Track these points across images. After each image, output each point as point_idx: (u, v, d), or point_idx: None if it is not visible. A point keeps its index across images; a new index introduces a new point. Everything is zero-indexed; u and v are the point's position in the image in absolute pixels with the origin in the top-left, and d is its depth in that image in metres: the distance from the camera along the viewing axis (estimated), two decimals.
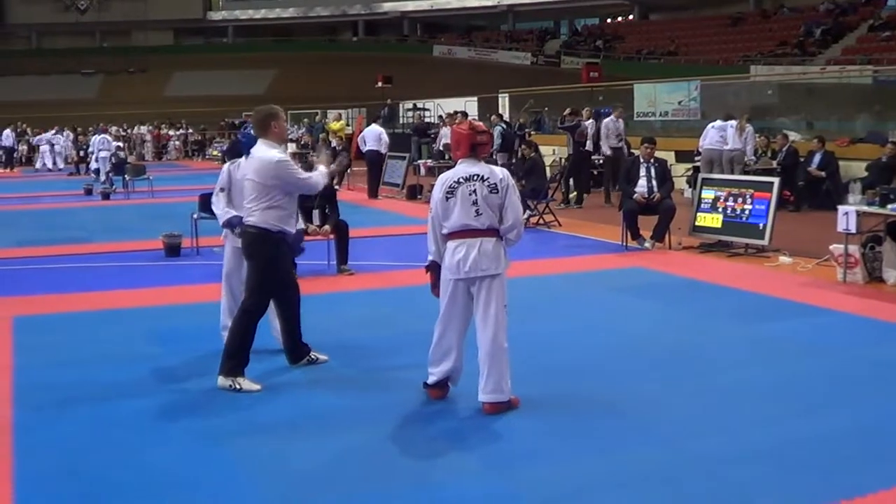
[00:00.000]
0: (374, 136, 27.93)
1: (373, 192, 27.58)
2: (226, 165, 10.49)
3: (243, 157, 9.57)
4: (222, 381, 8.68)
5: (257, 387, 8.58)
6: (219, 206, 10.19)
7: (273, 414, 8.02)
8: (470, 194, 8.00)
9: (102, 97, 79.30)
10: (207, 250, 16.69)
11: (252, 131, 9.26)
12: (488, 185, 8.01)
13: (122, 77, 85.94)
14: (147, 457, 7.04)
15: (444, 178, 8.22)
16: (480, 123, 8.73)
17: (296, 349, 9.55)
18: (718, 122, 23.77)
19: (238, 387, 8.59)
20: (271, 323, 9.77)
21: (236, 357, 8.73)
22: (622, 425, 7.61)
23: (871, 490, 6.18)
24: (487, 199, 7.99)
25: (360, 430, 7.56)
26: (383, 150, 28.50)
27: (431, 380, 8.38)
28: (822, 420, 7.65)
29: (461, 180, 8.06)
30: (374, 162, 27.80)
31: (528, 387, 8.43)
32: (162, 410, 8.15)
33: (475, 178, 8.05)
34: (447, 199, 8.07)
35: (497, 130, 27.39)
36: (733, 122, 23.41)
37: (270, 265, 8.89)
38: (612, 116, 26.43)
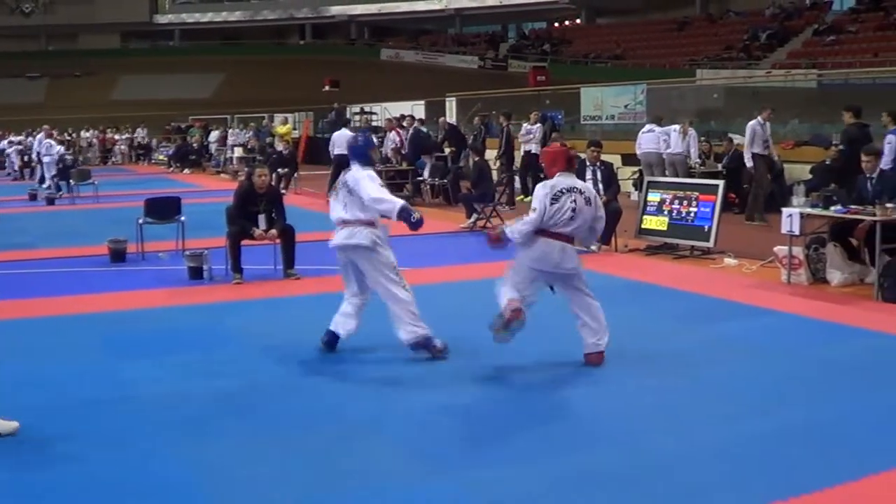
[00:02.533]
0: (342, 141, 27.50)
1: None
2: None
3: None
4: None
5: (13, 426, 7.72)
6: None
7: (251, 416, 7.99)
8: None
9: (49, 101, 78.72)
10: (153, 255, 16.59)
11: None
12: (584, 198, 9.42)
13: (68, 81, 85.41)
14: (91, 463, 6.94)
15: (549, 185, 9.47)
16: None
17: None
18: (658, 128, 23.76)
19: None
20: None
21: None
22: (573, 427, 7.64)
23: (820, 487, 6.23)
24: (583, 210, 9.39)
25: (306, 434, 7.52)
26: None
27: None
28: (771, 419, 7.68)
29: (564, 191, 9.33)
30: (342, 166, 27.43)
31: (476, 389, 8.44)
32: (112, 416, 8.07)
33: (574, 190, 9.39)
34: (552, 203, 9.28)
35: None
36: (676, 126, 23.45)
37: None
38: (758, 118, 21.09)
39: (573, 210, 9.29)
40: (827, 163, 20.96)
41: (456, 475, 6.65)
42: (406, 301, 9.74)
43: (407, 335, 9.71)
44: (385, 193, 9.88)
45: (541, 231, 9.33)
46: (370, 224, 9.81)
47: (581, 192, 9.40)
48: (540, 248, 9.35)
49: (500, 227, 9.98)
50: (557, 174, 9.54)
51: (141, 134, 56.30)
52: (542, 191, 9.42)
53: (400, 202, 9.64)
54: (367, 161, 10.17)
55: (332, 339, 10.00)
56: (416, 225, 9.62)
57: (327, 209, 10.43)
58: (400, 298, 9.72)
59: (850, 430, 7.38)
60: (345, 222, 9.90)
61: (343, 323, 10.00)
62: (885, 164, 16.38)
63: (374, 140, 12.49)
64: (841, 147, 19.29)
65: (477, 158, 22.28)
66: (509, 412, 8.06)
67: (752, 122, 20.84)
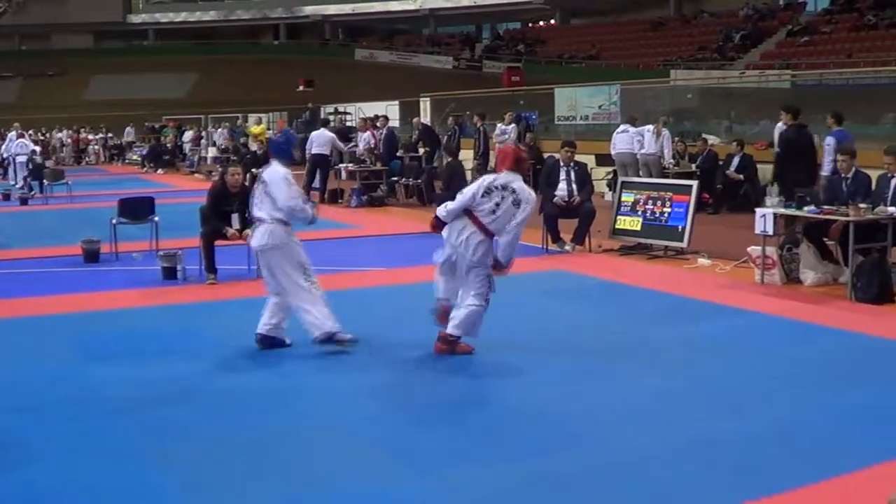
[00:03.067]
0: (322, 141, 27.43)
1: (308, 195, 27.27)
2: None
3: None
4: None
5: None
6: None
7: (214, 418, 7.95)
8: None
9: (22, 101, 78.30)
10: (126, 256, 16.52)
11: None
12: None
13: (41, 80, 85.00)
14: (61, 464, 6.89)
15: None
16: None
17: None
18: (631, 128, 23.77)
19: None
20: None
21: None
22: (547, 427, 7.62)
23: (791, 486, 6.24)
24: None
25: (281, 435, 7.50)
26: (331, 155, 28.20)
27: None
28: (745, 419, 7.70)
29: (498, 187, 9.75)
30: (319, 165, 27.33)
31: (450, 391, 8.44)
32: (82, 417, 8.02)
33: (508, 188, 9.75)
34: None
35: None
36: (650, 127, 23.48)
37: None
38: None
39: (496, 205, 9.66)
40: None
41: (431, 475, 6.65)
42: (313, 299, 9.91)
43: (316, 331, 9.90)
44: (299, 201, 10.16)
45: (467, 212, 9.75)
46: (284, 223, 10.05)
47: (514, 192, 9.73)
48: (456, 224, 9.81)
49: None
50: (504, 171, 9.92)
51: (130, 134, 55.95)
52: (482, 180, 9.98)
53: (311, 214, 10.20)
54: (288, 159, 10.44)
55: (264, 341, 10.12)
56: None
57: None
58: (306, 297, 9.89)
59: (821, 430, 7.41)
60: (260, 220, 10.12)
61: (269, 325, 10.15)
62: (825, 168, 16.53)
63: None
64: (776, 149, 19.35)
65: (450, 159, 22.27)
66: (483, 413, 8.09)
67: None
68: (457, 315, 9.78)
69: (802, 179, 16.12)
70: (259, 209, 10.09)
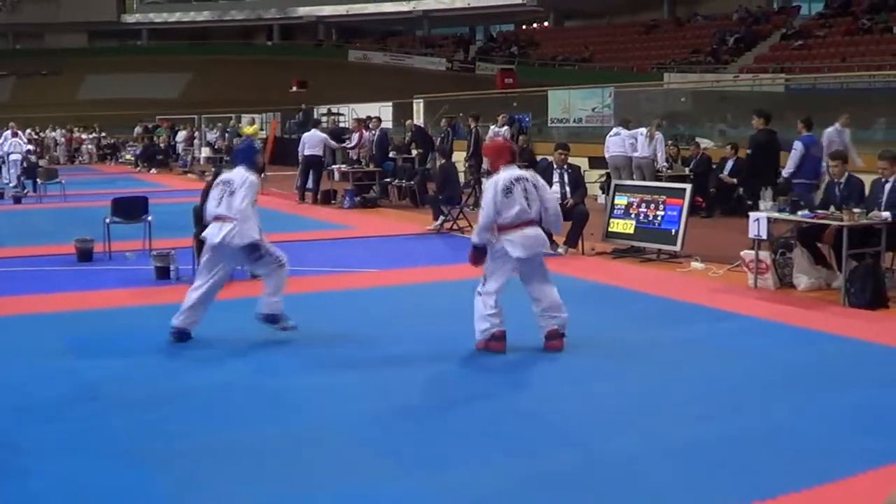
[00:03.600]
0: (314, 142, 27.42)
1: (302, 196, 27.31)
2: None
3: None
4: None
5: None
6: None
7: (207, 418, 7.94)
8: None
9: (15, 100, 78.21)
10: (120, 255, 16.51)
11: None
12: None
13: (35, 80, 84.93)
14: (53, 464, 6.86)
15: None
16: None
17: None
18: (624, 131, 23.76)
19: None
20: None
21: None
22: (537, 428, 7.61)
23: (783, 491, 6.22)
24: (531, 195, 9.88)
25: (273, 434, 7.49)
26: (324, 156, 28.24)
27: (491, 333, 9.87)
28: (735, 422, 7.70)
29: (513, 182, 9.83)
30: (312, 166, 27.32)
31: (446, 392, 8.43)
32: (75, 417, 8.01)
33: (522, 179, 9.92)
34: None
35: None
36: (643, 130, 23.46)
37: None
38: (835, 126, 19.41)
39: (525, 198, 9.80)
40: None
41: (426, 475, 6.65)
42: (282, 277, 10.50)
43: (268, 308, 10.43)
44: (253, 215, 10.33)
45: (503, 228, 9.79)
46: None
47: (527, 180, 9.94)
48: (519, 239, 9.76)
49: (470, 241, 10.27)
50: (502, 167, 10.01)
51: (138, 131, 55.58)
52: (490, 190, 9.93)
53: (255, 236, 10.23)
54: (253, 165, 10.63)
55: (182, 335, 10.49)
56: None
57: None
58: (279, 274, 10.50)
59: (812, 434, 7.40)
60: (219, 218, 10.31)
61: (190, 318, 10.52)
62: (787, 170, 16.78)
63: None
64: (748, 151, 19.46)
65: (443, 161, 22.27)
66: (478, 413, 8.06)
67: (828, 130, 19.26)
68: (561, 315, 10.09)
69: (771, 180, 16.80)
70: (220, 206, 10.34)
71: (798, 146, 17.34)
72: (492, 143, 11.49)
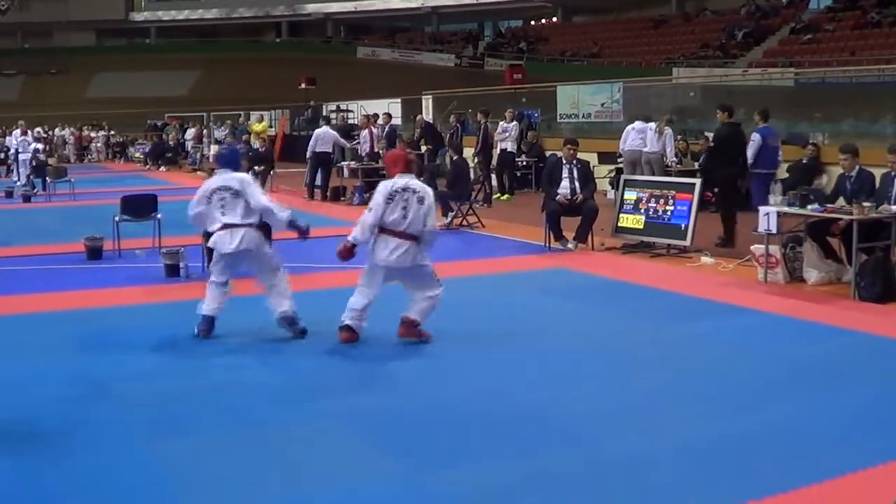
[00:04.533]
0: (327, 139, 27.41)
1: (311, 193, 27.34)
2: None
3: None
4: None
5: None
6: None
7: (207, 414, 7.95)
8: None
9: (24, 98, 78.31)
10: (129, 253, 16.52)
11: None
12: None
13: (43, 78, 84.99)
14: (63, 461, 6.88)
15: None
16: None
17: None
18: (639, 125, 23.71)
19: None
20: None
21: None
22: (544, 426, 7.60)
23: (792, 487, 6.21)
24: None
25: (281, 431, 7.50)
26: (334, 153, 28.26)
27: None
28: (744, 419, 7.68)
29: (398, 190, 10.09)
30: (322, 163, 27.33)
31: (448, 389, 8.42)
32: (85, 414, 8.00)
33: (408, 190, 10.14)
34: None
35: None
36: (652, 125, 23.41)
37: None
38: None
39: (404, 209, 10.11)
40: (804, 161, 21.17)
41: (427, 474, 6.65)
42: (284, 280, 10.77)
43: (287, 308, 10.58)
44: (273, 202, 10.73)
45: (381, 230, 10.16)
46: (251, 226, 10.54)
47: (415, 192, 10.22)
48: (380, 245, 10.17)
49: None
50: (397, 175, 10.35)
51: (169, 133, 55.56)
52: (382, 188, 10.33)
53: (287, 213, 10.68)
54: (237, 168, 10.93)
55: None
56: (306, 232, 11.01)
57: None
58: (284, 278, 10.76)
59: (825, 429, 7.39)
60: (228, 226, 10.49)
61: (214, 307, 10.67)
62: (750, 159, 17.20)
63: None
64: (711, 144, 19.63)
65: (455, 157, 22.23)
66: (481, 411, 8.03)
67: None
68: (417, 307, 10.30)
69: (732, 172, 17.24)
70: (225, 214, 10.49)
71: (756, 137, 17.77)
72: (390, 153, 12.20)
